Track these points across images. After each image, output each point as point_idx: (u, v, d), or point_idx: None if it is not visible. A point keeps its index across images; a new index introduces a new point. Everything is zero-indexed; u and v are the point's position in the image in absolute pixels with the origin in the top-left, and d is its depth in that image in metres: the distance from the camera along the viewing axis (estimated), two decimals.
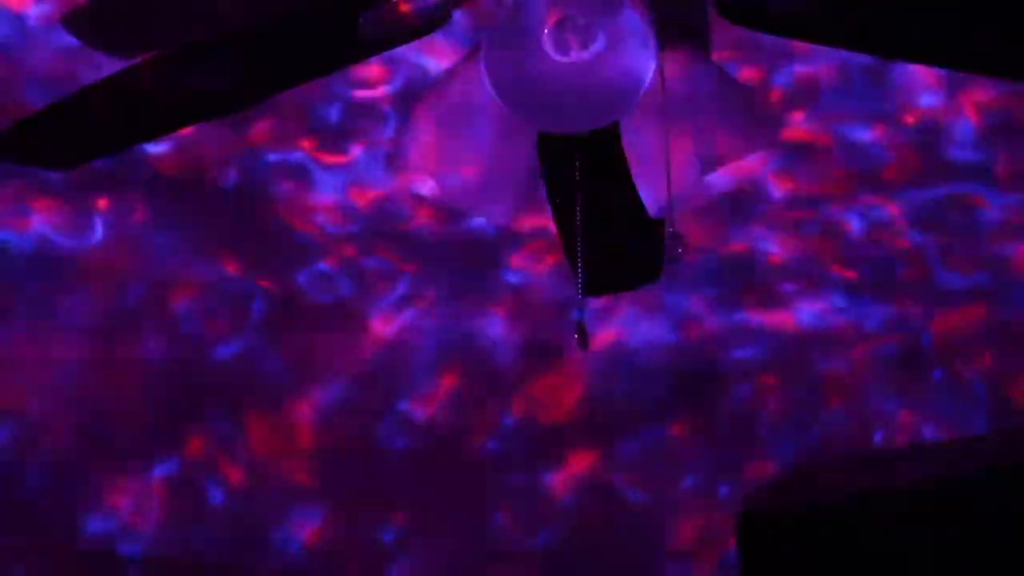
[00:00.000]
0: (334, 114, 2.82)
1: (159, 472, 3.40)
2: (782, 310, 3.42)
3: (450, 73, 1.60)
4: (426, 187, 1.66)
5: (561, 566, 3.65)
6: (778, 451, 3.61)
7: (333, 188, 3.01)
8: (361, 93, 2.75)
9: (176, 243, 3.15)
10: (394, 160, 1.64)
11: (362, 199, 3.05)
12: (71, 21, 1.97)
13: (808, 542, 3.02)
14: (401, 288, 3.33)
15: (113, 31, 1.96)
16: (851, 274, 3.32)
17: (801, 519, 3.02)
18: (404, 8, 1.59)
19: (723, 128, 1.52)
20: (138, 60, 1.73)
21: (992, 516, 2.71)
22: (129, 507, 3.37)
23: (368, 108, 2.79)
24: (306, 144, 2.92)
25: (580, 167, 1.60)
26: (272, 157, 2.94)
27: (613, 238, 1.97)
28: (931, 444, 3.20)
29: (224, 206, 3.06)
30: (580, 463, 3.63)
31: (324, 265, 3.25)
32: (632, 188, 1.61)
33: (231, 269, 3.26)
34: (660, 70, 1.43)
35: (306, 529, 3.54)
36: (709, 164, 1.51)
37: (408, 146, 1.58)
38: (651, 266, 2.13)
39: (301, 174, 2.98)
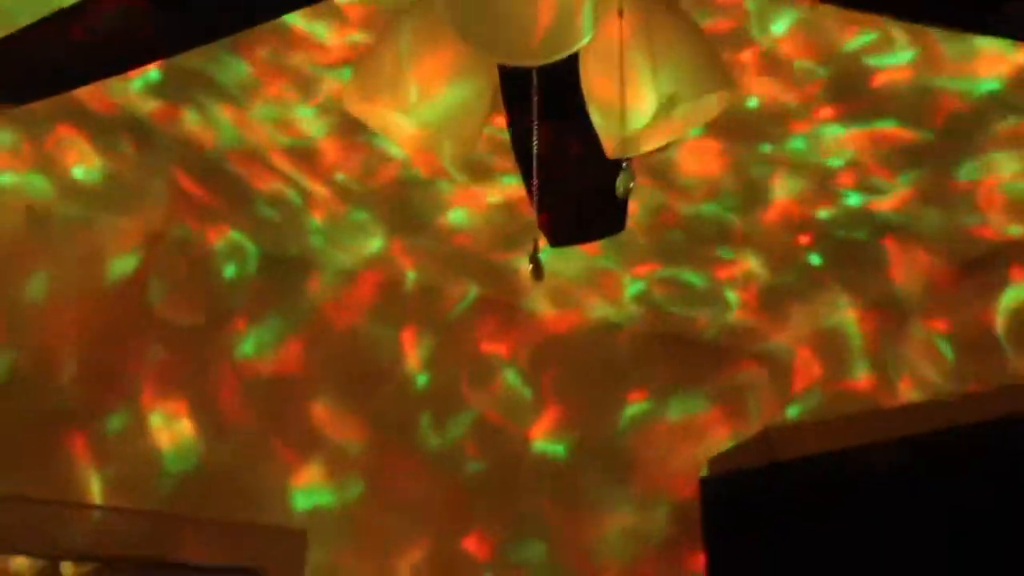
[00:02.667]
0: None
1: None
2: None
3: (409, 7, 1.57)
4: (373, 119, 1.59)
5: None
6: None
7: None
8: None
9: None
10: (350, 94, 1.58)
11: None
12: None
13: (768, 502, 3.03)
14: None
15: None
16: None
17: (760, 480, 3.02)
18: None
19: (682, 69, 1.49)
20: None
21: (950, 477, 2.72)
22: None
23: None
24: None
25: (538, 104, 1.58)
26: None
27: (577, 187, 1.95)
28: (904, 406, 3.18)
29: None
30: None
31: None
32: (590, 129, 1.58)
33: None
34: (620, 5, 1.40)
35: None
36: (666, 105, 1.48)
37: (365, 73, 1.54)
38: (616, 217, 2.12)
39: None
